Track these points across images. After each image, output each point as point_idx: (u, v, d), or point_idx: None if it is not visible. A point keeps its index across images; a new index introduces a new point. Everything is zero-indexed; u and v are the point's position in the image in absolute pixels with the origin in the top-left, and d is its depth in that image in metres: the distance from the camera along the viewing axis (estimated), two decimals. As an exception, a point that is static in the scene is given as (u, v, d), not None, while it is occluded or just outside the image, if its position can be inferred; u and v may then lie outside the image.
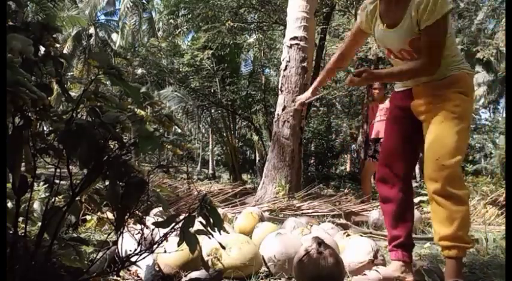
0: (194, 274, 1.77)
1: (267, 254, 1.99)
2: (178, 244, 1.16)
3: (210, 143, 22.99)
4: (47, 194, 2.43)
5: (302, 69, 4.96)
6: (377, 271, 1.83)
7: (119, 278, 1.72)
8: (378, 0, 1.91)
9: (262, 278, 1.90)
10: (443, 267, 2.10)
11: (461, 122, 1.77)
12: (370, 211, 3.83)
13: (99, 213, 2.43)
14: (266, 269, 1.99)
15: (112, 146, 1.15)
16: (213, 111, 14.84)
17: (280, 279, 1.90)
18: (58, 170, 1.15)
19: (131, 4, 19.63)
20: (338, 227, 2.90)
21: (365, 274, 1.84)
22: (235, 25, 10.37)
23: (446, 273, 1.75)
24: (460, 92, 1.80)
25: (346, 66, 2.15)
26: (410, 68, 1.79)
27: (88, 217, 2.75)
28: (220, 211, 2.67)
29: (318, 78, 2.23)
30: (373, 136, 5.30)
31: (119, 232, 1.19)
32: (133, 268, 1.81)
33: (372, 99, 5.64)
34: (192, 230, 1.18)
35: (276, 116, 5.05)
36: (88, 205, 2.45)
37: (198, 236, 1.20)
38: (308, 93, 2.27)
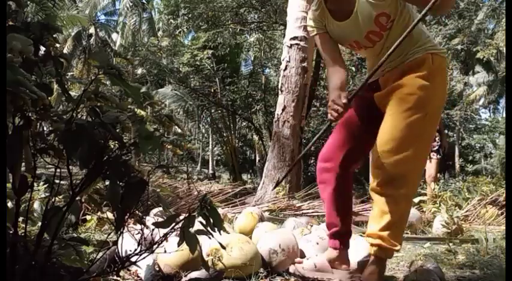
0: (194, 274, 1.77)
1: (267, 247, 2.01)
2: (179, 244, 1.16)
3: (210, 143, 23.00)
4: (47, 194, 2.43)
5: (302, 69, 4.96)
6: (312, 259, 1.85)
7: (119, 278, 1.72)
8: (320, 4, 1.77)
9: (262, 278, 1.90)
10: (443, 267, 2.10)
11: (416, 112, 1.57)
12: (370, 211, 3.82)
13: (99, 213, 2.43)
14: (267, 269, 1.99)
15: (112, 146, 1.15)
16: (213, 111, 14.85)
17: (279, 279, 1.90)
18: (58, 170, 1.15)
19: (131, 4, 19.62)
20: (338, 227, 2.90)
21: (301, 262, 1.85)
22: (237, 29, 10.38)
23: (365, 270, 1.71)
24: (419, 76, 1.60)
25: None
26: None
27: (88, 217, 2.75)
28: (220, 211, 2.68)
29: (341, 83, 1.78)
30: None
31: (119, 232, 1.19)
32: (133, 268, 1.81)
33: None
34: (192, 230, 1.18)
35: (276, 116, 5.05)
36: (88, 205, 2.46)
37: (197, 236, 1.20)
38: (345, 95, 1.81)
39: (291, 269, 1.86)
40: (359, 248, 1.99)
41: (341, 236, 1.85)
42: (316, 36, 1.81)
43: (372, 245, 1.69)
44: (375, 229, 1.66)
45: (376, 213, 1.67)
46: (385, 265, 1.76)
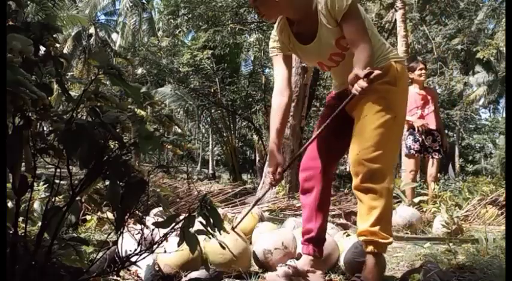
0: (194, 274, 1.77)
1: (262, 247, 2.02)
2: (179, 244, 1.16)
3: (210, 143, 23.01)
4: (47, 194, 2.43)
5: (302, 69, 4.96)
6: (287, 266, 1.86)
7: (119, 278, 1.72)
8: (284, 27, 1.85)
9: (262, 278, 1.91)
10: (443, 267, 2.10)
11: (387, 113, 1.71)
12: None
13: (99, 213, 2.43)
14: (264, 269, 1.99)
15: (112, 146, 1.15)
16: (213, 111, 14.86)
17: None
18: (58, 170, 1.15)
19: (131, 4, 19.62)
20: (338, 227, 2.91)
21: (277, 269, 1.88)
22: (237, 28, 10.38)
23: (364, 266, 1.75)
24: (387, 82, 1.74)
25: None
26: (360, 56, 1.67)
27: (88, 217, 2.75)
28: (220, 211, 2.68)
29: (275, 144, 1.90)
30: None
31: (119, 232, 1.19)
32: (133, 268, 1.81)
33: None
34: (192, 230, 1.18)
35: (276, 116, 5.04)
36: (88, 205, 2.46)
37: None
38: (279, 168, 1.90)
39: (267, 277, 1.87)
40: (359, 247, 1.99)
41: (316, 243, 1.89)
42: (275, 57, 1.91)
43: (365, 242, 1.72)
44: (365, 226, 1.70)
45: (363, 210, 1.71)
46: (382, 259, 1.78)
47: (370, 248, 1.71)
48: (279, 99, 1.88)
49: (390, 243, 1.77)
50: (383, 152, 1.69)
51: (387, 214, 1.74)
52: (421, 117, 4.58)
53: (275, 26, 1.91)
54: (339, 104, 1.80)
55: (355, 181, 1.72)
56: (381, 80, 1.70)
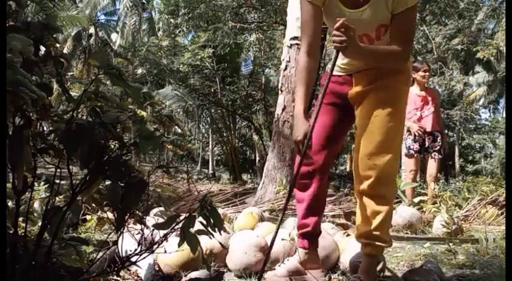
0: (194, 274, 1.77)
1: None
2: (179, 244, 1.16)
3: (210, 143, 22.99)
4: (47, 194, 2.43)
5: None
6: (284, 264, 1.88)
7: (119, 278, 1.72)
8: None
9: (264, 278, 1.90)
10: (443, 267, 2.10)
11: (398, 115, 1.68)
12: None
13: (99, 213, 2.42)
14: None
15: (112, 146, 1.15)
16: (213, 111, 14.86)
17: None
18: (58, 170, 1.15)
19: (131, 4, 19.61)
20: (338, 227, 2.90)
21: (275, 269, 1.89)
22: (237, 26, 10.36)
23: (360, 269, 1.76)
24: (402, 81, 1.70)
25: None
26: (392, 51, 1.58)
27: (88, 217, 2.75)
28: (220, 211, 2.68)
29: (303, 106, 1.75)
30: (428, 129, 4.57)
31: (119, 232, 1.19)
32: (133, 268, 1.81)
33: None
34: (192, 230, 1.18)
35: (276, 116, 5.05)
36: (88, 205, 2.46)
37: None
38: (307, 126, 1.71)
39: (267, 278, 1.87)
40: (359, 248, 1.99)
41: (311, 237, 1.88)
42: (310, 5, 1.66)
43: (366, 245, 1.73)
44: (368, 229, 1.69)
45: (367, 214, 1.69)
46: (379, 259, 1.81)
47: (368, 249, 1.72)
48: (308, 60, 1.70)
49: (389, 246, 1.78)
50: (393, 156, 1.66)
51: (389, 218, 1.74)
52: (420, 119, 4.58)
53: None
54: (346, 92, 1.71)
55: (364, 185, 1.67)
56: (394, 78, 1.66)
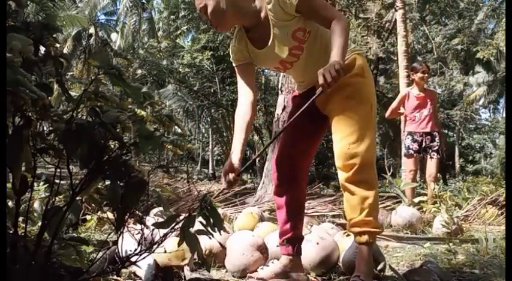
0: (194, 274, 1.77)
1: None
2: (179, 244, 1.16)
3: (210, 143, 23.00)
4: (47, 194, 2.43)
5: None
6: (268, 267, 1.87)
7: (119, 278, 1.72)
8: (242, 35, 1.85)
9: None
10: (443, 267, 2.10)
11: (364, 104, 1.76)
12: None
13: (99, 213, 2.42)
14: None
15: (112, 146, 1.15)
16: (213, 111, 14.85)
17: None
18: (58, 170, 1.15)
19: (131, 4, 19.61)
20: (338, 227, 2.90)
21: (257, 271, 1.89)
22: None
23: (357, 259, 1.77)
24: (356, 74, 1.77)
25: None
26: (338, 33, 1.64)
27: (88, 217, 2.75)
28: (220, 211, 2.68)
29: (238, 145, 1.81)
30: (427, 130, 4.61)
31: (118, 232, 1.19)
32: (133, 268, 1.81)
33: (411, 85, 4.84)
34: (192, 230, 1.18)
35: (276, 116, 5.05)
36: (88, 205, 2.45)
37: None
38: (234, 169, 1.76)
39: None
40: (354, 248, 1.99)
41: (294, 242, 1.89)
42: (237, 67, 1.90)
43: (358, 234, 1.74)
44: (360, 217, 1.72)
45: (355, 202, 1.73)
46: (377, 259, 1.84)
47: (364, 238, 1.73)
48: (245, 117, 1.84)
49: (381, 232, 1.82)
50: (369, 143, 1.73)
51: (377, 203, 1.79)
52: (418, 119, 4.59)
53: (234, 36, 1.91)
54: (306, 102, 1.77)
55: (348, 174, 1.72)
56: (350, 73, 1.75)
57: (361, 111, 1.75)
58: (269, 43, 1.77)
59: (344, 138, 1.73)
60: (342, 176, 1.75)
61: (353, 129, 1.72)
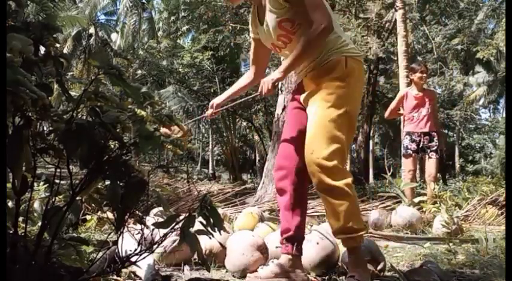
0: (194, 274, 1.77)
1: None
2: (179, 244, 1.16)
3: (210, 143, 23.00)
4: (47, 194, 2.43)
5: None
6: (268, 266, 1.87)
7: (119, 278, 1.72)
8: (253, 10, 1.96)
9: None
10: (443, 267, 2.10)
11: (337, 109, 1.72)
12: (370, 210, 3.83)
13: (99, 213, 2.42)
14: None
15: (112, 146, 1.15)
16: (213, 111, 14.81)
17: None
18: (58, 170, 1.15)
19: (131, 4, 19.60)
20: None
21: (257, 271, 1.89)
22: (238, 27, 10.37)
23: (349, 260, 1.77)
24: (335, 78, 1.75)
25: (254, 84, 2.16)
26: (305, 40, 1.70)
27: (88, 217, 2.75)
28: (220, 211, 2.68)
29: (229, 92, 2.20)
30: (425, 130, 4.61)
31: (118, 232, 1.19)
32: (133, 268, 1.81)
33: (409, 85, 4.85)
34: (192, 230, 1.18)
35: (276, 116, 5.05)
36: (88, 205, 2.45)
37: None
38: (218, 101, 2.20)
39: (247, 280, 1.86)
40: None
41: (294, 242, 1.87)
42: (252, 40, 2.08)
43: (343, 240, 1.74)
44: (339, 225, 1.71)
45: (331, 210, 1.71)
46: (361, 250, 1.81)
47: (350, 243, 1.74)
48: (246, 80, 2.16)
49: (366, 232, 1.82)
50: (338, 148, 1.70)
51: (355, 207, 1.74)
52: (417, 119, 4.59)
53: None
54: (299, 97, 1.89)
55: (314, 181, 1.71)
56: (329, 76, 1.75)
57: (333, 115, 1.72)
58: (264, 24, 1.87)
59: (309, 143, 1.73)
60: (313, 182, 1.74)
61: (319, 134, 1.71)
